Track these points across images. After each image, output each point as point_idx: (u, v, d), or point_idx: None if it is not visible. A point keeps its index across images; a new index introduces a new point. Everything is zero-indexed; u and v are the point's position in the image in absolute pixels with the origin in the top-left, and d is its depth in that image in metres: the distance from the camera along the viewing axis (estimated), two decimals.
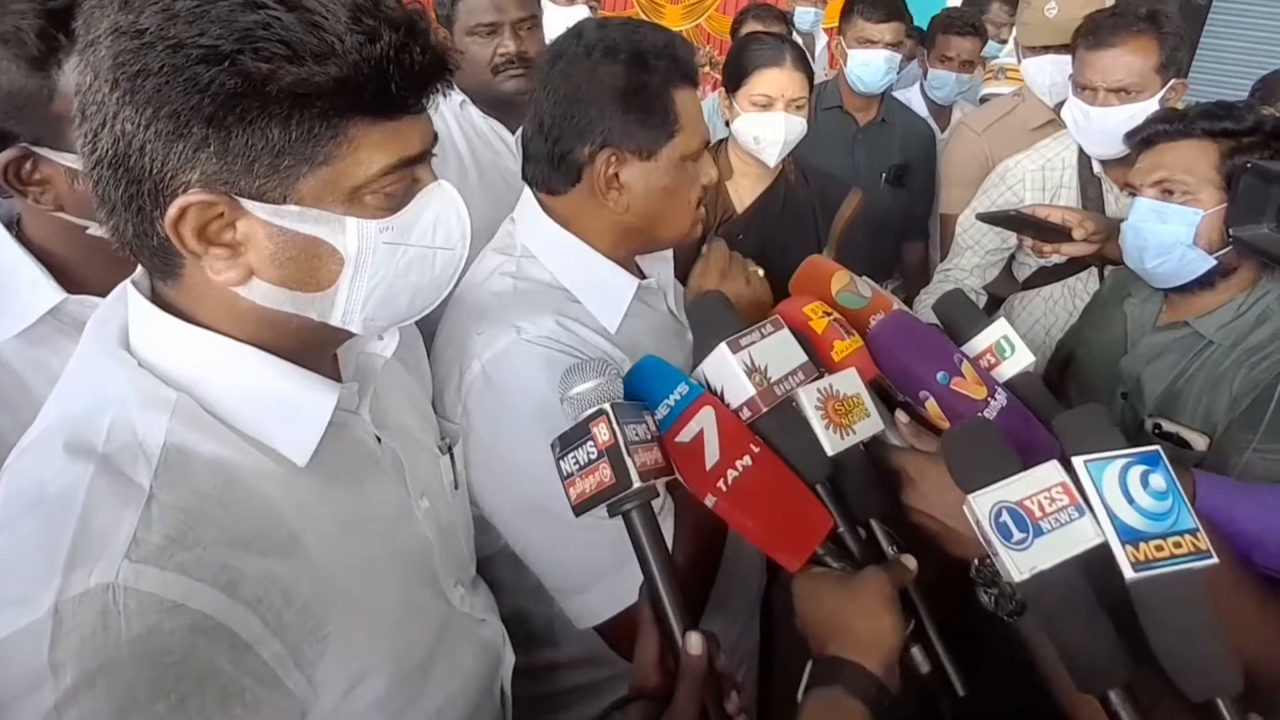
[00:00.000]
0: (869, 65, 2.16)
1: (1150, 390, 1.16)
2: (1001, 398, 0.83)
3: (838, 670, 0.67)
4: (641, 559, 0.68)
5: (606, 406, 0.66)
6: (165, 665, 0.50)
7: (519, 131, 1.66)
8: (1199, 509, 0.65)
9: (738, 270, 1.07)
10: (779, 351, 0.79)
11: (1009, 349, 0.88)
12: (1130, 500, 0.61)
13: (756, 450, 0.74)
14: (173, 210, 0.54)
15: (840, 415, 0.78)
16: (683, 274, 1.13)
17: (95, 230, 0.83)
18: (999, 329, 0.89)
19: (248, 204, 0.55)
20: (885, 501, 0.81)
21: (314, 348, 0.65)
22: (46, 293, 0.84)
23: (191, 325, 0.60)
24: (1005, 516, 0.62)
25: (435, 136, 0.63)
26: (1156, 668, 0.60)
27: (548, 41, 1.63)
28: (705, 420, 0.73)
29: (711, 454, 0.72)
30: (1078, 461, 0.63)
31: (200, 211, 0.54)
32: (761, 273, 1.11)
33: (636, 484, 0.64)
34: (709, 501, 0.72)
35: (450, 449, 0.85)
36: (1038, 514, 0.62)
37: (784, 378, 0.78)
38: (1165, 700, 0.61)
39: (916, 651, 0.75)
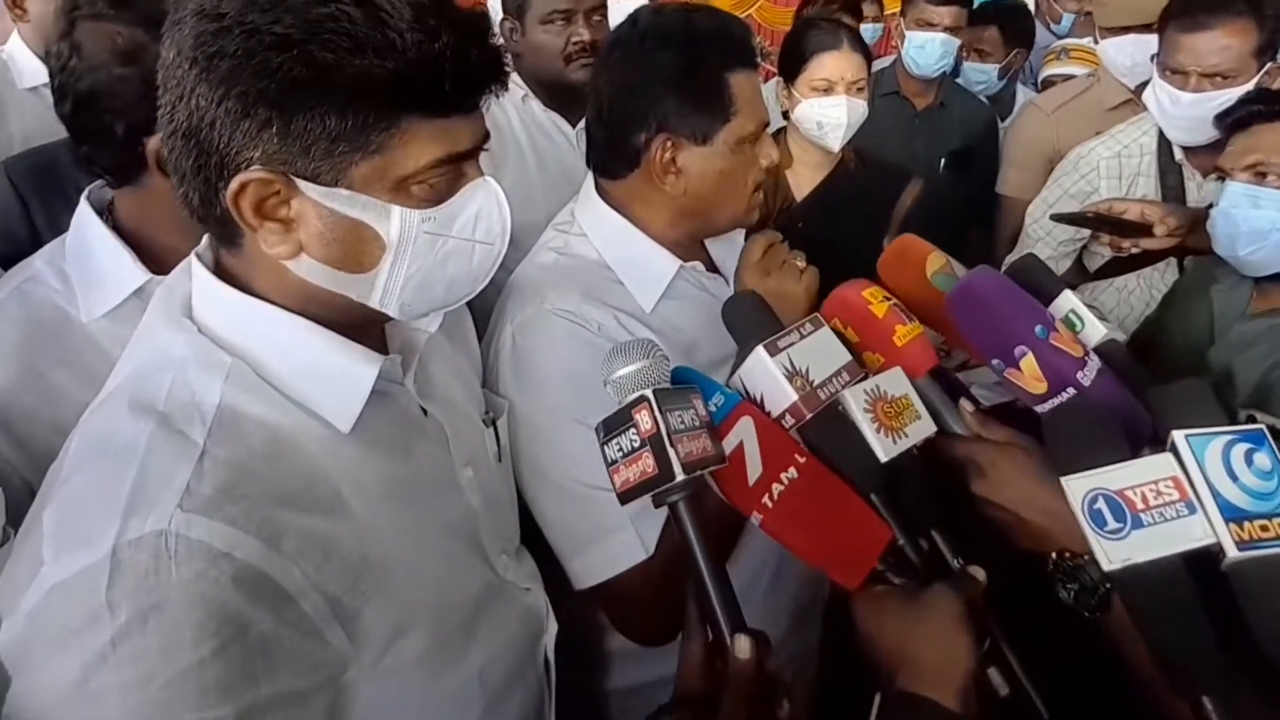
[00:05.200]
0: (925, 48, 2.13)
1: (1242, 381, 1.11)
2: (1096, 360, 0.78)
3: (911, 709, 0.62)
4: (688, 555, 0.63)
5: (648, 393, 0.62)
6: (210, 610, 0.53)
7: (579, 124, 1.67)
8: None
9: (789, 265, 0.98)
10: (820, 352, 0.74)
11: (1079, 323, 0.82)
12: (1234, 478, 0.59)
13: (802, 460, 0.68)
14: (234, 184, 0.57)
15: (890, 418, 0.72)
16: None
17: None
18: (1066, 302, 0.83)
19: (302, 184, 0.58)
20: (945, 509, 0.75)
21: (357, 325, 0.67)
22: (133, 274, 0.89)
23: (248, 296, 0.64)
24: (1101, 504, 0.60)
25: (486, 135, 0.65)
26: (1241, 658, 0.57)
27: None
28: (744, 431, 0.68)
29: (754, 468, 0.67)
30: (1178, 435, 0.60)
31: (259, 188, 0.58)
32: (803, 265, 1.01)
33: (680, 476, 0.59)
34: (755, 520, 0.67)
35: (494, 422, 0.88)
36: (1139, 505, 0.59)
37: (827, 380, 0.72)
38: (1249, 694, 0.59)
39: (994, 673, 0.69)
